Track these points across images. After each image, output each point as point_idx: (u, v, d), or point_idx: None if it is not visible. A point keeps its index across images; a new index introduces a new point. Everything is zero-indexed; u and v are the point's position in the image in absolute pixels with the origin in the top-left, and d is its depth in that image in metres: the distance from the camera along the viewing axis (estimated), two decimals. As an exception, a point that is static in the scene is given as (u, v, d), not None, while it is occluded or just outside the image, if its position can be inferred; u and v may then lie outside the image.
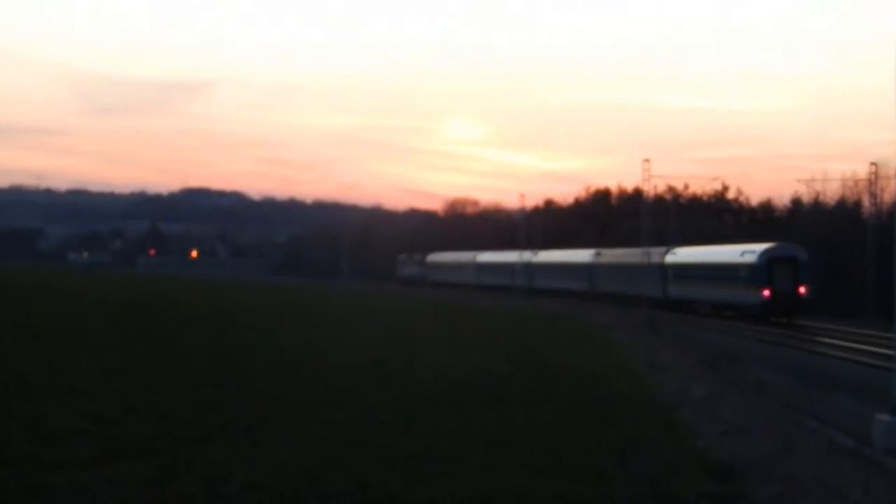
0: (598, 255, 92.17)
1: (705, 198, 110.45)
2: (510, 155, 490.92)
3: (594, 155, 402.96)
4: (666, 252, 78.40)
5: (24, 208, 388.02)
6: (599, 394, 25.88)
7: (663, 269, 78.20)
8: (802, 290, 63.82)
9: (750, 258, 65.51)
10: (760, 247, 64.99)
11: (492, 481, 14.81)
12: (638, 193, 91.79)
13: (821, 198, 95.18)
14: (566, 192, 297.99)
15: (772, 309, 62.22)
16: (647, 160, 65.71)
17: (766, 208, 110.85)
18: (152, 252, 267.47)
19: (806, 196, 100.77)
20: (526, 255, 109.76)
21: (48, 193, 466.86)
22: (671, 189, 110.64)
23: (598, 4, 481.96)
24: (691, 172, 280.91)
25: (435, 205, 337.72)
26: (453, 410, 21.72)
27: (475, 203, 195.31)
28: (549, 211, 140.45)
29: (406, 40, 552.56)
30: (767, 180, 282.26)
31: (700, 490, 15.50)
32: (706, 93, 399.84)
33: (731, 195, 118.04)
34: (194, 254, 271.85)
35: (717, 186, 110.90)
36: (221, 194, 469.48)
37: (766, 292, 63.01)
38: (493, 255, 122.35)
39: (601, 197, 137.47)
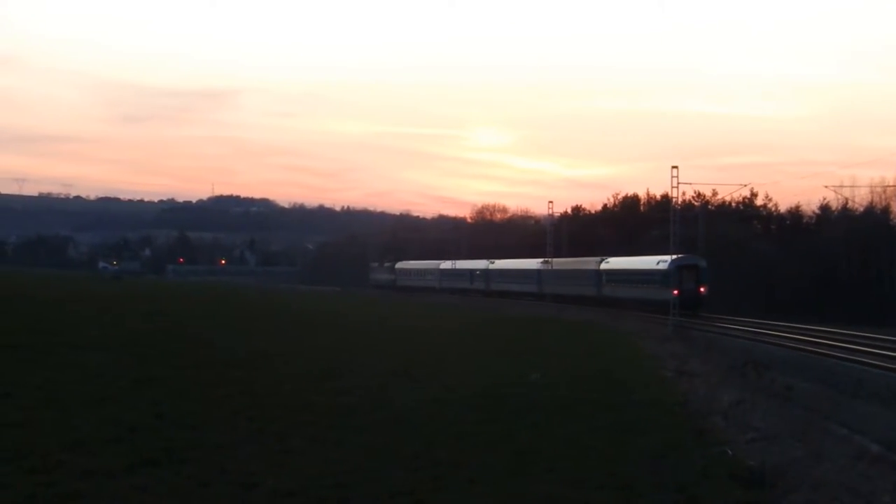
0: (545, 263, 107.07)
1: (734, 204, 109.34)
2: (537, 162, 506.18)
3: (622, 162, 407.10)
4: (600, 261, 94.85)
5: (53, 217, 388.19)
6: (627, 400, 26.21)
7: (598, 274, 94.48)
8: (702, 289, 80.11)
9: (663, 266, 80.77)
10: (671, 257, 78.45)
11: (519, 489, 14.89)
12: (666, 200, 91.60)
13: (849, 204, 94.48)
14: (594, 199, 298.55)
15: (680, 305, 73.18)
16: (675, 167, 65.53)
17: (795, 215, 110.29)
18: (181, 260, 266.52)
19: (834, 202, 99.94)
20: (483, 263, 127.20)
21: (78, 202, 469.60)
22: (699, 195, 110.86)
23: (625, 13, 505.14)
24: (719, 179, 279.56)
25: (463, 212, 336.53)
26: (481, 418, 21.87)
27: (503, 210, 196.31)
28: (577, 218, 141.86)
29: (432, 48, 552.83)
30: (796, 187, 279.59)
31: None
32: (733, 100, 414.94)
33: (759, 202, 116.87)
34: (223, 262, 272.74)
35: (746, 193, 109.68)
36: (250, 202, 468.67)
37: (676, 291, 75.97)
38: (453, 262, 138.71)
39: (629, 204, 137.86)
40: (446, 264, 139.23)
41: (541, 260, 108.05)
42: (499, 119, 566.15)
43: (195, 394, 23.19)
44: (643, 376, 32.43)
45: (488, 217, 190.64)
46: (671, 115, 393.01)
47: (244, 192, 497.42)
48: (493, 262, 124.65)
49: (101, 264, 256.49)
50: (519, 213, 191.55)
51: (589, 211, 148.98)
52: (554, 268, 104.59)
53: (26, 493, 13.26)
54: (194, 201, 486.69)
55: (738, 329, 61.87)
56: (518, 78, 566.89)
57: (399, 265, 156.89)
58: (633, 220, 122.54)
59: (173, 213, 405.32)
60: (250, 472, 15.00)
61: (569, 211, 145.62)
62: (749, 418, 23.10)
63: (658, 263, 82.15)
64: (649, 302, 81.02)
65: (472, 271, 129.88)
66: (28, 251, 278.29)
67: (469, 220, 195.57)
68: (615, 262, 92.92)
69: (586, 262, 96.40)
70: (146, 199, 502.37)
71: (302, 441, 17.64)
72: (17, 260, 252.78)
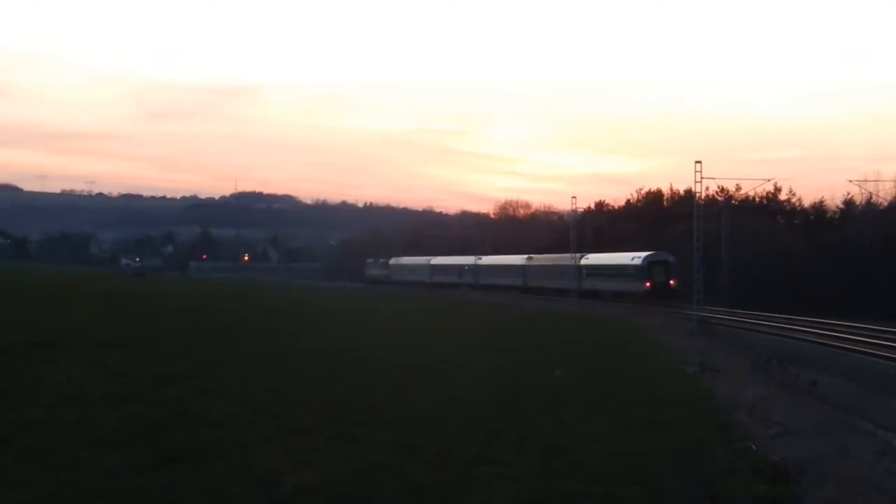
0: (529, 259, 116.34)
1: (757, 199, 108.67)
2: (560, 157, 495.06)
3: (645, 157, 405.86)
4: (580, 257, 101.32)
5: (76, 213, 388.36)
6: (651, 396, 26.23)
7: (579, 269, 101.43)
8: (672, 282, 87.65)
9: (637, 261, 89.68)
10: (644, 253, 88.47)
11: (545, 485, 14.92)
12: (690, 195, 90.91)
13: (873, 199, 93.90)
14: (617, 195, 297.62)
15: (651, 295, 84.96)
16: (698, 161, 65.29)
17: (819, 209, 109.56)
18: (204, 257, 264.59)
19: (858, 197, 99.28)
20: (471, 259, 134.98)
21: (100, 198, 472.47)
22: (723, 190, 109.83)
23: (648, 6, 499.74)
24: (743, 174, 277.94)
25: (486, 207, 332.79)
26: (506, 414, 21.76)
27: (527, 205, 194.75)
28: (601, 213, 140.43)
29: (455, 43, 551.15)
30: (820, 182, 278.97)
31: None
32: (756, 95, 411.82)
33: (783, 196, 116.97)
34: (246, 258, 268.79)
35: (770, 188, 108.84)
36: (273, 198, 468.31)
37: (648, 284, 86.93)
38: (443, 258, 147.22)
39: (653, 199, 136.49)
40: (437, 260, 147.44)
41: (525, 256, 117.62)
42: (522, 114, 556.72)
43: (219, 391, 23.20)
44: (667, 372, 32.19)
45: (511, 213, 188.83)
46: (695, 111, 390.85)
47: (266, 189, 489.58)
48: (480, 259, 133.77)
49: (124, 261, 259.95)
50: (542, 209, 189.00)
51: (612, 206, 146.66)
52: (537, 263, 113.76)
53: (48, 491, 13.28)
54: (217, 198, 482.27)
55: (763, 324, 61.44)
56: (541, 73, 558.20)
57: (393, 261, 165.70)
58: (656, 215, 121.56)
59: (196, 210, 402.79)
60: (274, 469, 15.10)
61: (592, 206, 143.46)
62: (773, 414, 22.94)
63: (633, 259, 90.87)
64: (625, 293, 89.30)
65: (460, 267, 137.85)
66: (51, 248, 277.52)
67: (492, 215, 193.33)
68: (594, 259, 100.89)
69: (567, 259, 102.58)
70: (169, 196, 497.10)
71: (326, 437, 17.75)
72: (41, 257, 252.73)
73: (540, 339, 44.62)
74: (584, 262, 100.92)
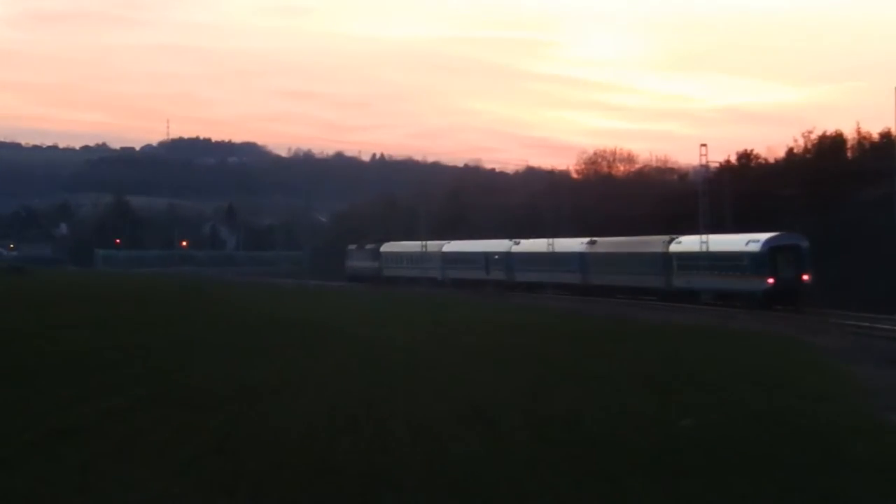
0: (591, 244, 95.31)
1: None
2: (680, 84, 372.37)
3: (813, 83, 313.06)
4: (670, 241, 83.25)
5: None
6: (835, 457, 19.83)
7: (667, 258, 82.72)
8: (805, 277, 69.70)
9: (754, 246, 71.86)
10: (764, 235, 71.77)
11: None
12: (889, 141, 79.28)
13: None
14: (771, 141, 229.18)
15: (774, 296, 68.78)
16: (902, 88, 51.19)
17: None
18: (118, 241, 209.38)
19: None
20: (503, 245, 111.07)
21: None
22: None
23: None
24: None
25: (565, 161, 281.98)
26: (606, 478, 17.21)
27: (628, 158, 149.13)
28: (746, 169, 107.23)
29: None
30: None
31: None
32: None
33: None
34: (184, 243, 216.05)
35: None
36: (228, 148, 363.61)
37: (771, 280, 69.13)
38: (461, 244, 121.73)
39: (828, 147, 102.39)
40: (452, 247, 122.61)
41: (585, 240, 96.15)
42: (620, 17, 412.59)
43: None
44: (855, 419, 25.53)
45: (604, 170, 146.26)
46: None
47: (218, 134, 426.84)
48: (517, 244, 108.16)
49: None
50: (653, 164, 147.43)
51: (764, 159, 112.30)
52: (604, 250, 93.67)
53: None
54: (138, 148, 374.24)
55: None
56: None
57: (386, 248, 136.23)
58: (835, 174, 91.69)
59: (105, 168, 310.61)
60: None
61: (732, 159, 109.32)
62: None
63: (748, 244, 73.28)
64: (733, 294, 74.36)
65: (487, 256, 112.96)
66: None
67: (574, 174, 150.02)
68: (689, 243, 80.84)
69: (651, 243, 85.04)
70: (63, 146, 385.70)
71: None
72: None
73: (657, 368, 35.08)
74: (674, 247, 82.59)
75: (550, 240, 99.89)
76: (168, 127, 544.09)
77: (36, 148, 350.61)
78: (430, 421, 22.96)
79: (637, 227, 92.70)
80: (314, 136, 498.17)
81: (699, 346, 44.38)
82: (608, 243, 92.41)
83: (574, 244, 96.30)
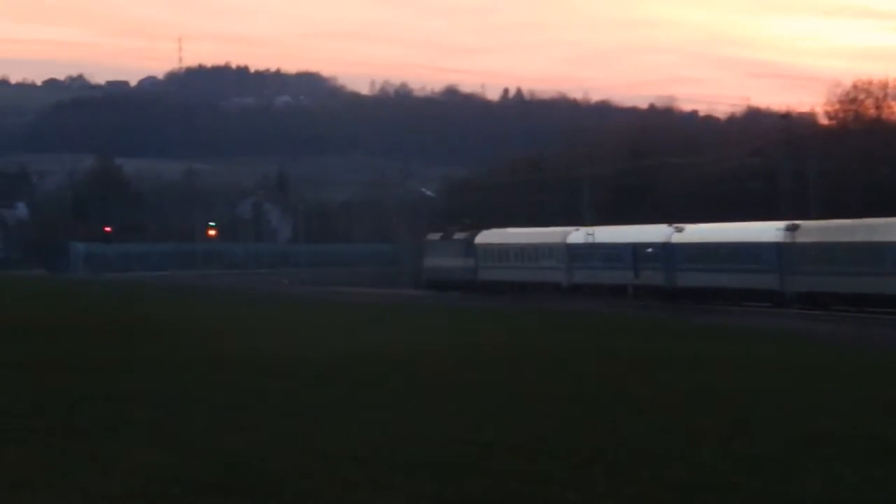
0: (792, 229, 73.26)
1: None
2: None
3: None
4: None
5: None
6: None
7: None
8: None
9: None
10: None
11: None
12: None
13: None
14: None
15: None
16: None
17: None
18: (109, 229, 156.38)
19: None
20: (662, 232, 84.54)
21: None
22: None
23: None
24: None
25: (808, 99, 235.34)
26: None
27: None
28: None
29: None
30: None
31: None
32: None
33: None
34: (211, 231, 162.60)
35: None
36: (277, 83, 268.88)
37: None
38: (601, 231, 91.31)
39: None
40: (581, 235, 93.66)
41: (783, 224, 75.90)
42: None
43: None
44: None
45: (870, 112, 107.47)
46: None
47: (259, 61, 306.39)
48: (680, 230, 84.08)
49: None
50: None
51: None
52: (813, 240, 73.09)
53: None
54: (135, 83, 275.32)
55: None
56: None
57: (483, 238, 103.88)
58: None
59: (84, 114, 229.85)
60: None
61: None
62: None
63: None
64: None
65: (636, 249, 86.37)
66: None
67: (824, 118, 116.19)
68: None
69: (880, 228, 66.69)
70: (16, 80, 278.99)
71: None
72: None
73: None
74: None
75: (731, 224, 80.00)
76: (181, 50, 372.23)
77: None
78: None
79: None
80: (411, 62, 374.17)
81: None
82: (818, 227, 72.84)
83: (765, 231, 75.41)
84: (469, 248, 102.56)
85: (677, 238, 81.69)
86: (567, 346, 40.91)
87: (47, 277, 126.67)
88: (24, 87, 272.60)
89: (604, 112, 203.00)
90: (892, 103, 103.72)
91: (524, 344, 42.20)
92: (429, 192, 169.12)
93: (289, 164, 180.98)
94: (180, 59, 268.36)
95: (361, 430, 20.34)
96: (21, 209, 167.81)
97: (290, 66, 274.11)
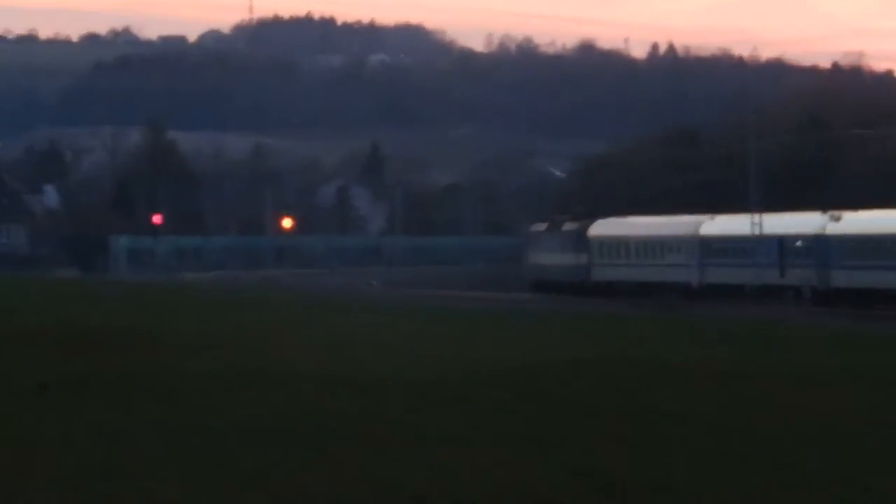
0: None
1: None
2: None
3: None
4: None
5: None
6: None
7: None
8: None
9: None
10: None
11: None
12: None
13: None
14: None
15: None
16: None
17: None
18: (158, 220, 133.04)
19: None
20: (813, 221, 75.53)
21: None
22: None
23: None
24: None
25: None
26: None
27: None
28: None
29: None
30: None
31: None
32: None
33: None
34: (287, 221, 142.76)
35: None
36: (369, 37, 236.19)
37: None
38: (740, 220, 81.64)
39: None
40: (717, 226, 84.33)
41: None
42: None
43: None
44: None
45: None
46: None
47: (345, 12, 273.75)
48: (836, 220, 74.95)
49: None
50: None
51: None
52: None
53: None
54: (193, 39, 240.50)
55: None
56: None
57: (598, 229, 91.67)
58: None
59: (129, 78, 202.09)
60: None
61: None
62: None
63: None
64: None
65: (783, 242, 77.20)
66: None
67: None
68: None
69: None
70: (46, 36, 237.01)
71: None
72: None
73: None
74: None
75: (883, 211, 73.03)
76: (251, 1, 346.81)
77: (20, 39, 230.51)
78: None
79: None
80: (537, 12, 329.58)
81: None
82: None
83: None
84: (580, 241, 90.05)
85: (833, 229, 72.99)
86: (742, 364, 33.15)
87: (79, 281, 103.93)
88: (57, 45, 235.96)
89: (776, 72, 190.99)
90: None
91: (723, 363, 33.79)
92: (558, 173, 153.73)
93: (383, 140, 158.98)
94: (251, 9, 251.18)
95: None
96: (51, 195, 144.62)
97: (387, 17, 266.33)
